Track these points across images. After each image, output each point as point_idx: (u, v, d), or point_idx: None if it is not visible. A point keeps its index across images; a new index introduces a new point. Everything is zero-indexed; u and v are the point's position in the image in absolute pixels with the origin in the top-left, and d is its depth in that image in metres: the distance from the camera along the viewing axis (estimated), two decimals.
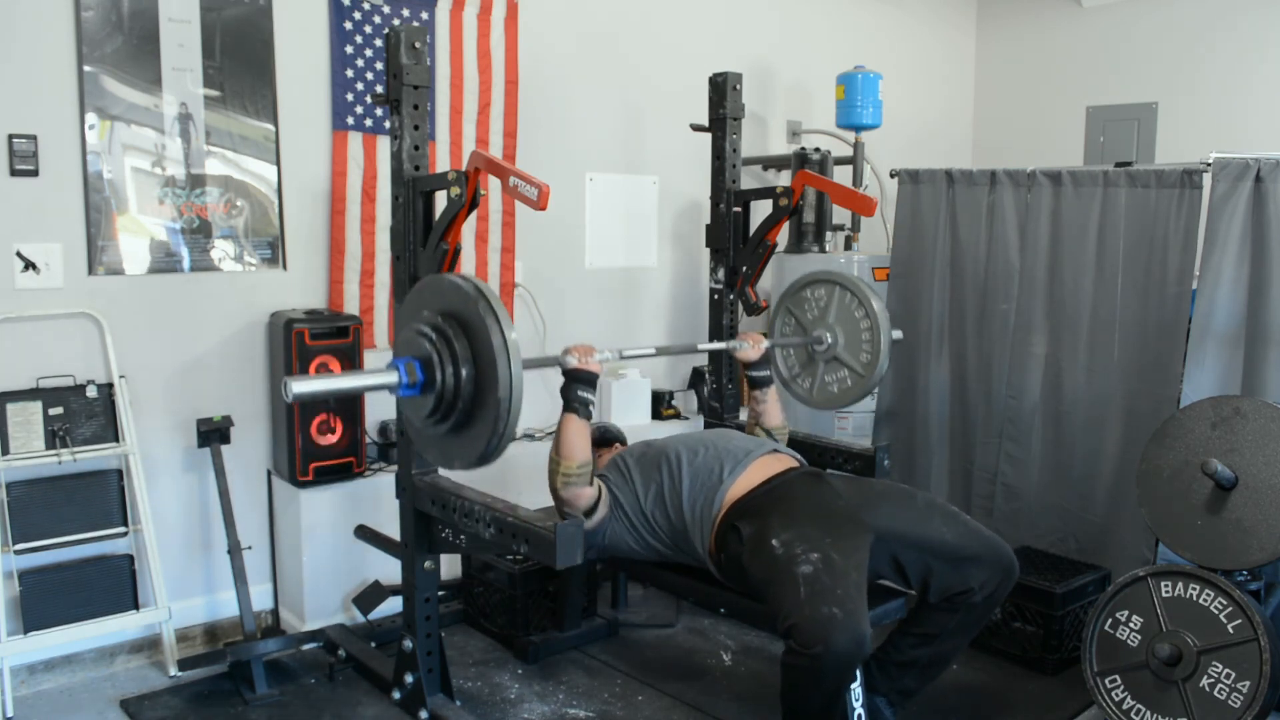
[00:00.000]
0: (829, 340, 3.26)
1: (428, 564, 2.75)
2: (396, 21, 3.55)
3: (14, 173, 2.94)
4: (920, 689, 2.73)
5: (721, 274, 3.55)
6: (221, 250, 3.35)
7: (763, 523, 2.53)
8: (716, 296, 3.59)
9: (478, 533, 2.47)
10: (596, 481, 2.73)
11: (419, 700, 2.76)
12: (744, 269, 3.45)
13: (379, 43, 3.55)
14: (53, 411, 3.01)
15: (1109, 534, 3.46)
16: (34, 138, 2.96)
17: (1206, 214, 3.16)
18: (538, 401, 3.86)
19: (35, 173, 2.97)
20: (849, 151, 4.62)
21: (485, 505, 2.47)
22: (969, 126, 5.91)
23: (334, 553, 3.34)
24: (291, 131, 3.43)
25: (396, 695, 2.84)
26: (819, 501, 2.62)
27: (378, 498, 3.37)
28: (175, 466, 3.30)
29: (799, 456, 2.95)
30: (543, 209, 2.41)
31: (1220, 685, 2.56)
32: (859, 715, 2.48)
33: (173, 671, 3.08)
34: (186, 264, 3.28)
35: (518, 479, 3.54)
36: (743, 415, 3.51)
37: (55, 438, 3.00)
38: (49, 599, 2.97)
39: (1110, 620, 2.77)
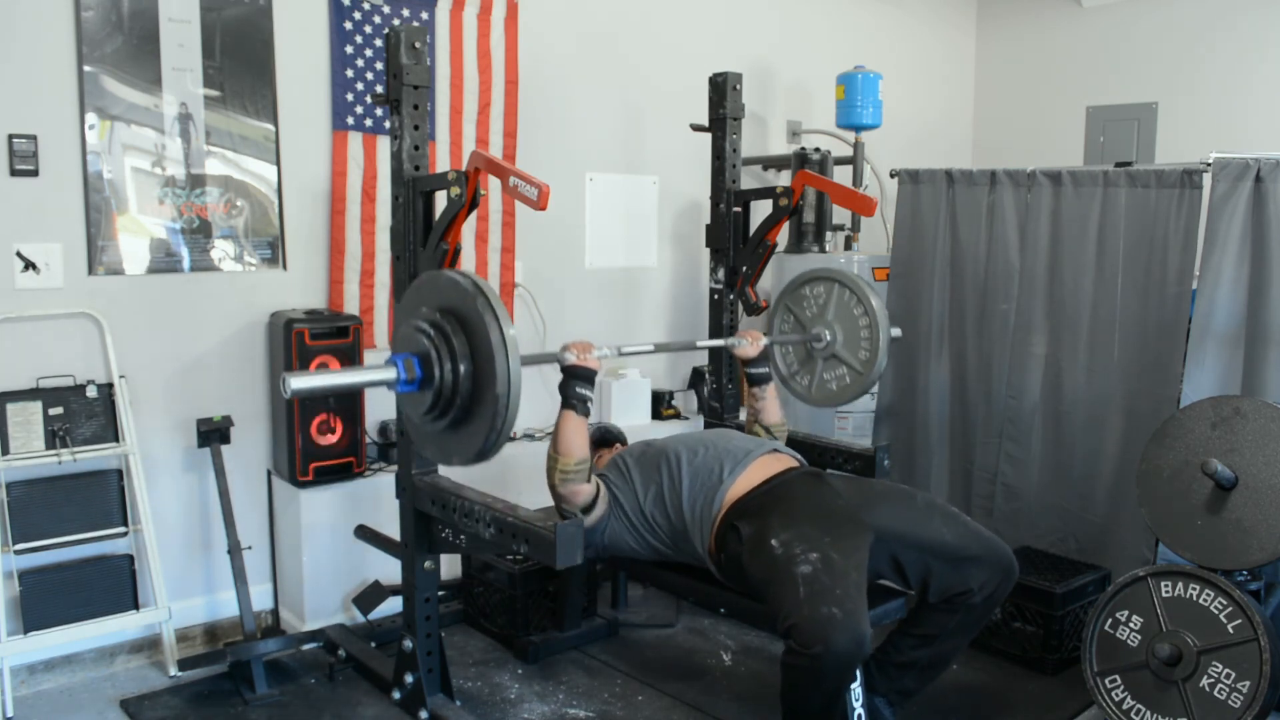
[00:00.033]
0: (828, 338, 3.27)
1: (428, 564, 2.75)
2: (396, 21, 3.55)
3: (14, 173, 2.94)
4: (920, 689, 2.73)
5: (721, 274, 3.55)
6: (221, 250, 3.35)
7: (762, 523, 2.53)
8: (716, 296, 3.59)
9: (478, 533, 2.47)
10: (594, 478, 2.73)
11: (419, 700, 2.76)
12: (744, 269, 3.45)
13: (379, 43, 3.55)
14: (53, 411, 3.01)
15: (1109, 534, 3.46)
16: (34, 138, 2.96)
17: (1206, 214, 3.16)
18: (538, 401, 3.85)
19: (35, 173, 2.98)
20: (849, 151, 4.62)
21: (485, 505, 2.47)
22: (969, 126, 5.91)
23: (334, 553, 3.34)
24: (291, 131, 3.43)
25: (396, 695, 2.84)
26: (819, 501, 2.62)
27: (378, 498, 3.37)
28: (175, 466, 3.31)
29: (799, 456, 2.95)
30: (543, 209, 2.42)
31: (1220, 685, 2.56)
32: (859, 715, 2.48)
33: (173, 671, 3.08)
34: (186, 264, 3.28)
35: (518, 479, 3.54)
36: (742, 415, 3.51)
37: (55, 438, 3.00)
38: (49, 599, 2.97)
39: (1110, 620, 2.77)
